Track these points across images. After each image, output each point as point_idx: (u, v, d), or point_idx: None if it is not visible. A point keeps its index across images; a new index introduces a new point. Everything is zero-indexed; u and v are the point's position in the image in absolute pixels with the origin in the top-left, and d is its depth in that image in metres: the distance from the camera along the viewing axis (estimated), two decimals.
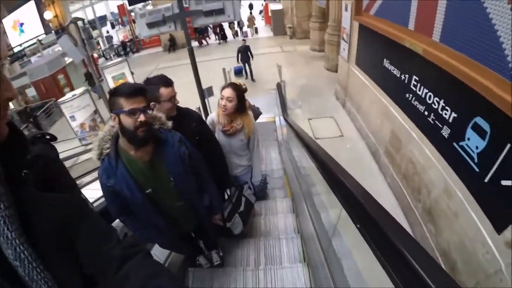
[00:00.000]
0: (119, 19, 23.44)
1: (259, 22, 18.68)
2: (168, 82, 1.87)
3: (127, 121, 1.34)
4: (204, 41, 16.80)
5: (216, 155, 2.24)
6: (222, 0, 4.51)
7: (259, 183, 2.80)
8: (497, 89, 2.04)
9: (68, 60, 12.93)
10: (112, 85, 8.77)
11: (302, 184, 3.17)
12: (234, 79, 9.31)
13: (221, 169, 2.33)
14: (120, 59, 11.08)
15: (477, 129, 2.29)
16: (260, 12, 21.40)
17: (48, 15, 15.04)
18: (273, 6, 16.37)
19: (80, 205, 0.69)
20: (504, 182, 2.00)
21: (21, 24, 15.42)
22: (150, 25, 4.88)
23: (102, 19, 23.23)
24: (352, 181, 1.22)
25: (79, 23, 7.41)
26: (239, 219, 2.43)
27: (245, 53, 10.40)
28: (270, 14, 16.33)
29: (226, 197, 2.49)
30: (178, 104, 2.00)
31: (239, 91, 2.34)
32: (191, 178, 1.67)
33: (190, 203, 1.72)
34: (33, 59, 15.56)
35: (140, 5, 11.87)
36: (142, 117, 1.33)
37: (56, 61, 12.90)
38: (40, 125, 11.28)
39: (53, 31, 15.30)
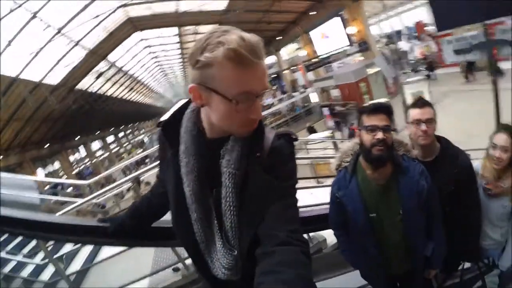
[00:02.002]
0: (416, 35, 22.68)
1: None
2: (421, 102, 1.63)
3: (366, 137, 1.37)
4: (471, 76, 14.32)
5: (471, 219, 1.79)
6: None
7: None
8: None
9: (370, 71, 15.01)
10: (409, 101, 9.03)
11: None
12: None
13: (471, 238, 1.83)
14: (420, 77, 11.35)
15: None
16: None
17: (351, 30, 17.43)
18: None
19: (283, 191, 0.83)
20: None
21: (327, 37, 19.33)
22: (457, 52, 5.36)
23: (398, 33, 23.69)
24: None
25: (391, 46, 8.63)
26: None
27: None
28: None
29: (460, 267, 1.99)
30: (446, 139, 1.70)
31: None
32: (422, 216, 1.51)
33: (411, 243, 1.54)
34: (334, 65, 19.62)
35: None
36: (380, 135, 1.33)
37: (361, 70, 15.13)
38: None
39: (354, 44, 17.91)
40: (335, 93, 16.03)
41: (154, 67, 29.76)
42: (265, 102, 20.29)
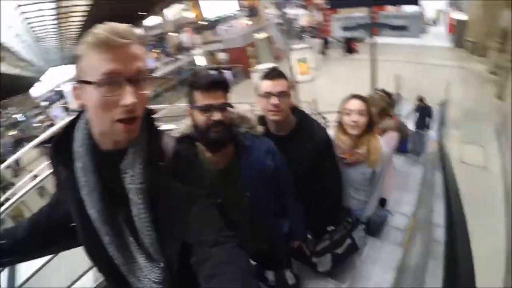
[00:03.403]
0: (303, 4, 21.92)
1: (439, 29, 16.93)
2: (273, 73, 1.47)
3: (200, 118, 1.18)
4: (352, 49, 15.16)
5: (332, 190, 1.74)
6: (408, 19, 4.94)
7: (376, 218, 2.20)
8: None
9: (258, 36, 15.64)
10: (296, 67, 9.26)
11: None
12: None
13: (333, 206, 1.82)
14: (305, 45, 11.72)
15: None
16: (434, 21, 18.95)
17: None
18: (457, 16, 14.54)
19: (196, 196, 0.81)
20: None
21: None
22: (345, 28, 5.67)
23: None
24: None
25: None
26: (329, 258, 1.94)
27: None
28: (453, 22, 14.75)
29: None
30: (302, 112, 1.60)
31: (368, 104, 1.78)
32: (271, 197, 1.42)
33: (263, 226, 1.45)
34: (221, 28, 18.87)
35: None
36: (217, 116, 1.16)
37: (249, 36, 15.57)
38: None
39: (243, 9, 17.94)
40: (223, 56, 16.54)
41: (26, 30, 23.13)
42: (149, 65, 19.23)
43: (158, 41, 25.06)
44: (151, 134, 0.82)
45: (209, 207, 0.82)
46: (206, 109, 1.16)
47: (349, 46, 15.08)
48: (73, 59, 0.72)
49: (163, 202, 0.79)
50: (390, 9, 8.24)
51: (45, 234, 1.07)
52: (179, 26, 23.98)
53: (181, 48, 23.43)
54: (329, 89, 10.03)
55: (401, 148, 3.65)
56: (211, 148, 1.26)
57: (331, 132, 1.90)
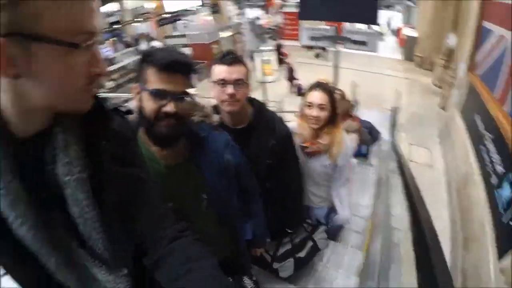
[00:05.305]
0: (262, 5, 21.67)
1: (390, 41, 18.14)
2: (230, 58, 1.28)
3: (148, 105, 0.93)
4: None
5: (292, 189, 1.66)
6: (367, 36, 5.65)
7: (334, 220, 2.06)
8: None
9: (223, 34, 15.49)
10: (259, 68, 9.11)
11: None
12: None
13: (293, 207, 1.73)
14: (270, 47, 11.76)
15: None
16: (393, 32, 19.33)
17: None
18: (408, 32, 15.62)
19: (144, 184, 0.71)
20: None
21: None
22: (312, 38, 6.16)
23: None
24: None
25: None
26: (292, 263, 1.84)
27: None
28: (404, 37, 15.72)
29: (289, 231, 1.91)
30: (259, 103, 1.47)
31: (332, 95, 1.70)
32: (232, 197, 1.23)
33: (225, 230, 1.25)
34: (179, 23, 17.86)
35: None
36: (170, 107, 0.92)
37: (215, 33, 15.38)
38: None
39: (205, 4, 17.14)
40: (187, 51, 16.41)
41: None
42: (105, 53, 18.24)
43: (114, 30, 23.89)
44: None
45: (158, 197, 0.73)
46: (159, 95, 0.91)
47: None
48: None
49: (109, 193, 0.62)
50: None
51: None
52: (137, 16, 23.16)
53: (141, 38, 22.93)
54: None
55: (359, 151, 3.72)
56: (157, 143, 1.02)
57: (292, 123, 1.84)
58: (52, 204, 0.57)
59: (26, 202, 0.53)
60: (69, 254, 0.59)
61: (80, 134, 0.59)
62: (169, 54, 0.95)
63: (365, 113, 7.92)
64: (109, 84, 14.46)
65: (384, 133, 6.53)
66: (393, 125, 6.86)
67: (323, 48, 15.17)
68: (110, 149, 0.63)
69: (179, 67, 0.94)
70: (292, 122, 1.84)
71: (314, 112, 1.66)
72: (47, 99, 0.52)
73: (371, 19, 5.13)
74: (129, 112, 0.75)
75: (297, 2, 6.88)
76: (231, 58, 1.30)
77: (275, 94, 9.47)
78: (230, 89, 1.26)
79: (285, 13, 17.27)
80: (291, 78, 10.60)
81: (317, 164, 1.81)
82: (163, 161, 1.05)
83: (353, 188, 3.26)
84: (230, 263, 1.34)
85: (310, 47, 15.17)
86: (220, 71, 1.28)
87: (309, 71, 12.30)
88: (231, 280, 1.38)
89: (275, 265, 1.82)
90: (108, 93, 10.44)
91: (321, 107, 1.65)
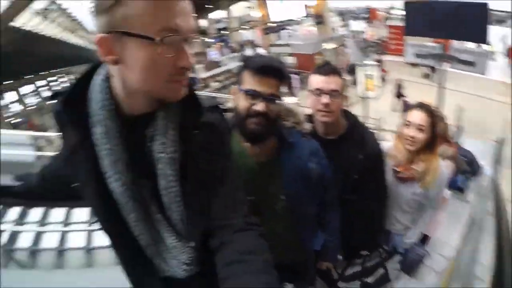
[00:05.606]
0: (365, 16, 22.02)
1: (502, 61, 15.84)
2: (326, 68, 1.32)
3: (242, 103, 1.03)
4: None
5: (375, 210, 1.57)
6: (476, 56, 5.26)
7: (413, 254, 1.90)
8: None
9: (326, 46, 15.66)
10: (362, 82, 9.45)
11: None
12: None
13: (373, 228, 1.64)
14: (373, 61, 11.63)
15: None
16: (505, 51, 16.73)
17: (311, 2, 17.26)
18: None
19: (227, 172, 0.76)
20: None
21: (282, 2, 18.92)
22: (417, 55, 6.07)
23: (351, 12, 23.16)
24: None
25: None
26: (358, 286, 1.79)
27: None
28: None
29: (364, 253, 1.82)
30: (354, 116, 1.45)
31: (434, 117, 1.61)
32: (310, 205, 1.24)
33: (295, 235, 1.26)
34: (284, 32, 19.27)
35: None
36: (260, 106, 1.00)
37: (318, 44, 15.69)
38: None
39: (309, 15, 17.94)
40: (290, 60, 16.54)
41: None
42: (212, 56, 19.72)
43: (221, 35, 25.51)
44: (185, 99, 0.69)
45: (238, 188, 0.77)
46: (251, 95, 1.01)
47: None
48: (103, 4, 0.56)
49: (193, 174, 0.71)
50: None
51: (53, 187, 1.02)
52: (243, 24, 24.71)
53: (246, 45, 23.86)
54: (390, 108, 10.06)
55: (454, 183, 3.20)
56: (246, 138, 1.10)
57: (388, 143, 1.78)
58: (145, 173, 0.69)
59: (125, 164, 0.67)
60: (148, 215, 0.71)
61: (177, 121, 0.68)
62: (264, 59, 1.08)
63: (466, 142, 6.29)
64: (215, 85, 16.40)
65: (486, 167, 5.49)
66: (497, 159, 5.81)
67: (432, 68, 13.25)
68: (201, 137, 0.71)
69: (271, 71, 1.01)
70: (388, 142, 1.77)
71: (412, 132, 1.56)
72: (139, 85, 0.61)
73: (480, 38, 4.70)
74: (227, 110, 0.80)
75: (403, 14, 6.45)
76: (328, 68, 1.31)
77: (375, 111, 8.97)
78: (325, 99, 1.26)
79: (390, 26, 16.50)
80: (398, 94, 10.00)
81: (407, 190, 1.69)
82: (253, 158, 1.13)
83: (442, 223, 2.88)
84: (294, 268, 1.34)
85: (415, 64, 13.43)
86: (316, 81, 1.30)
87: (413, 90, 11.07)
88: (285, 283, 1.37)
89: (341, 284, 1.75)
90: (213, 92, 11.58)
91: (420, 128, 1.56)
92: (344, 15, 22.10)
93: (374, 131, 1.64)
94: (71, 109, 0.66)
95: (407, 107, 1.66)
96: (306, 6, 17.98)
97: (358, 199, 1.41)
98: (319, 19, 16.81)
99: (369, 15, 20.58)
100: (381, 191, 1.59)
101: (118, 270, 0.85)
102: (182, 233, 0.73)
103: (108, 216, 0.73)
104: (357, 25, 20.94)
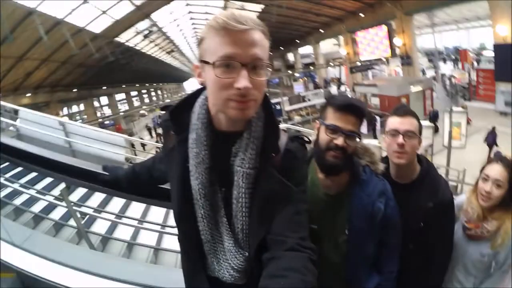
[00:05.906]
0: (454, 58, 22.03)
1: None
2: (403, 110, 1.35)
3: (323, 136, 1.11)
4: None
5: (435, 262, 1.49)
6: None
7: None
8: None
9: (413, 89, 14.98)
10: (447, 130, 9.31)
11: None
12: None
13: (431, 280, 1.53)
14: (462, 109, 10.86)
15: None
16: None
17: (397, 41, 17.32)
18: None
19: (295, 196, 0.81)
20: None
21: (371, 42, 19.41)
22: (507, 103, 5.66)
23: (439, 53, 23.32)
24: None
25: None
26: None
27: None
28: None
29: None
30: (429, 162, 1.44)
31: None
32: (371, 243, 1.22)
33: (351, 271, 1.24)
34: (370, 71, 20.30)
35: None
36: (340, 141, 1.07)
37: (405, 86, 15.00)
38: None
39: (396, 55, 18.06)
40: (375, 101, 16.18)
41: (192, 34, 29.50)
42: (297, 90, 20.53)
43: (308, 71, 26.34)
44: (268, 125, 0.82)
45: (301, 212, 0.81)
46: (332, 129, 1.09)
47: None
48: (198, 41, 0.76)
49: (263, 191, 0.79)
50: None
51: (140, 182, 1.26)
52: (329, 60, 25.53)
53: (331, 82, 24.43)
54: (478, 160, 8.80)
55: None
56: (323, 170, 1.17)
57: (462, 196, 1.69)
58: (224, 181, 0.81)
59: (206, 167, 0.80)
60: (215, 216, 0.83)
61: (259, 144, 0.80)
62: (346, 98, 1.19)
63: None
64: (297, 118, 17.23)
65: None
66: None
67: None
68: (278, 161, 0.81)
69: (352, 110, 1.09)
70: (463, 196, 1.68)
71: (488, 187, 1.46)
72: (212, 102, 0.78)
73: None
74: (308, 141, 0.89)
75: (493, 56, 6.03)
76: (404, 109, 1.35)
77: (460, 161, 8.41)
78: (400, 139, 1.27)
79: (479, 69, 14.27)
80: (491, 144, 9.35)
81: (474, 250, 1.55)
82: (324, 189, 1.20)
83: None
84: None
85: (505, 113, 11.71)
86: (392, 122, 1.32)
87: (503, 142, 10.21)
88: None
89: None
90: (295, 126, 12.41)
91: (497, 183, 1.45)
92: (432, 55, 20.83)
93: (454, 183, 1.59)
94: (175, 117, 0.85)
95: (490, 160, 1.53)
96: (392, 45, 17.61)
97: (420, 249, 1.36)
98: (406, 60, 16.34)
99: (459, 56, 19.12)
100: (446, 245, 1.50)
101: (179, 273, 0.96)
102: (240, 240, 0.81)
103: (183, 207, 0.85)
104: (446, 67, 19.62)
